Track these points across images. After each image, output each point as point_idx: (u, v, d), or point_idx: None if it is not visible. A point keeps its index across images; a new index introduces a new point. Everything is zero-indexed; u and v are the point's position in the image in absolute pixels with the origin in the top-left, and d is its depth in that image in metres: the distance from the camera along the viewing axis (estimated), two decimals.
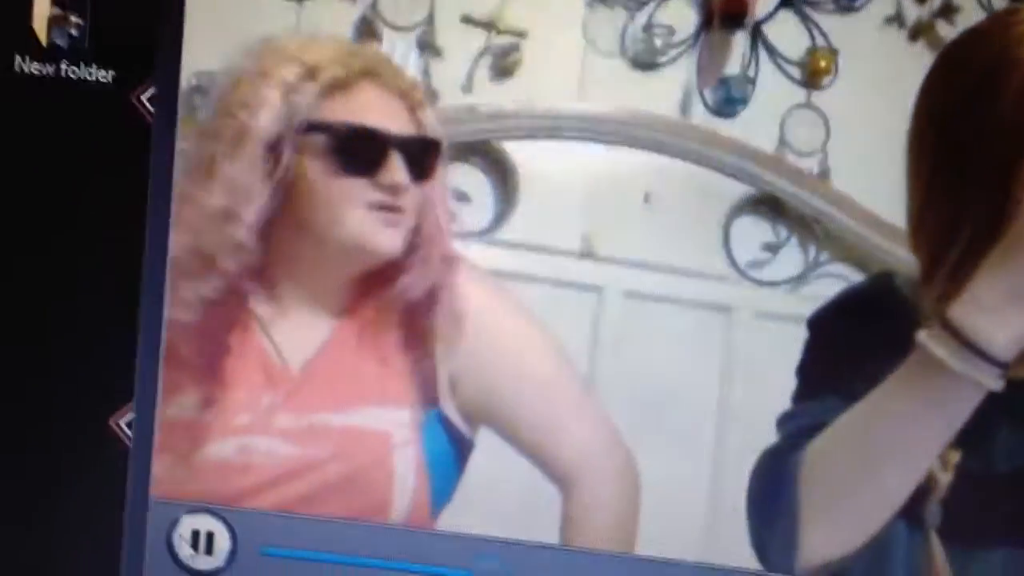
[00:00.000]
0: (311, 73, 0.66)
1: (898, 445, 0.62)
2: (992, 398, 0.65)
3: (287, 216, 0.68)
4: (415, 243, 0.70)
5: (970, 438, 0.66)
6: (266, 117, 0.66)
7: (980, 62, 0.59)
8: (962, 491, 0.67)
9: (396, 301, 0.71)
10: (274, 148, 0.66)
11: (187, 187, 0.67)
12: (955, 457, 0.66)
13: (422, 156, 0.69)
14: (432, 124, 0.68)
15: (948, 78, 0.62)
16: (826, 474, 0.64)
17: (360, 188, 0.67)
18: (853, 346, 0.65)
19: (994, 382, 0.59)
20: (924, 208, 0.62)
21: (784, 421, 0.69)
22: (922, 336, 0.60)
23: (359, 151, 0.67)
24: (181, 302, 0.69)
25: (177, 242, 0.66)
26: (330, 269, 0.70)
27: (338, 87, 0.67)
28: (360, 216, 0.68)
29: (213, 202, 0.66)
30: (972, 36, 0.62)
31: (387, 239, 0.69)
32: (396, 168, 0.67)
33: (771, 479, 0.67)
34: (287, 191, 0.67)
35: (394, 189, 0.68)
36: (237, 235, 0.67)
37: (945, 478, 0.66)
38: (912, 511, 0.67)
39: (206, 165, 0.66)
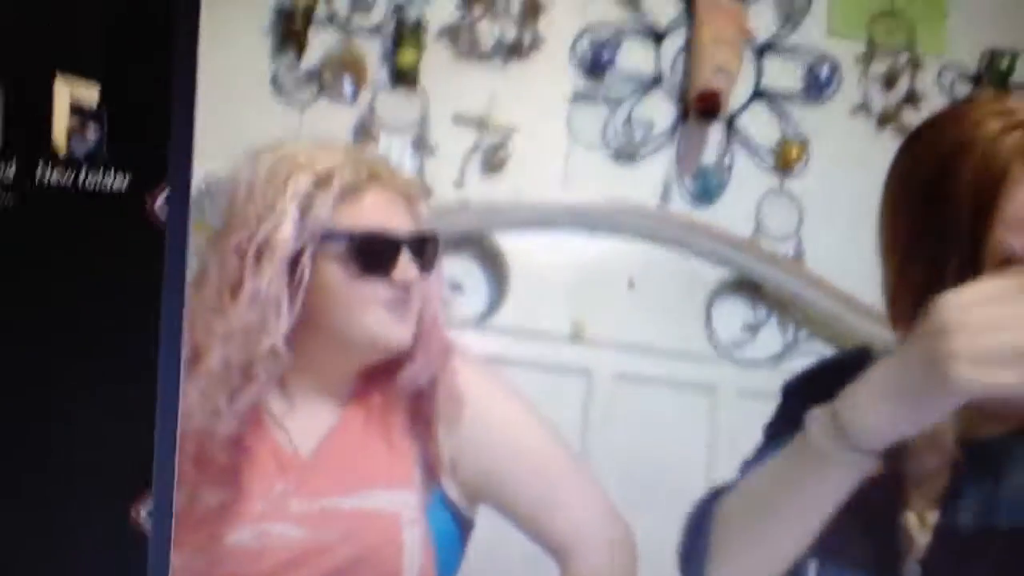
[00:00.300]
0: (323, 181, 0.69)
1: (785, 507, 0.64)
2: (969, 457, 0.67)
3: (308, 320, 0.71)
4: (418, 333, 0.73)
5: (947, 497, 0.68)
6: (287, 230, 0.69)
7: (942, 145, 0.63)
8: (940, 549, 0.69)
9: (401, 388, 0.74)
10: (296, 259, 0.69)
11: (215, 302, 0.70)
12: (932, 516, 0.68)
13: (425, 251, 0.73)
14: (427, 218, 0.72)
15: (915, 161, 0.65)
16: (731, 524, 0.67)
17: (376, 287, 0.70)
18: None
19: (861, 466, 0.61)
20: (899, 283, 0.65)
21: (740, 471, 0.71)
22: (810, 413, 0.63)
23: (374, 253, 0.70)
24: (213, 413, 0.72)
25: (215, 356, 0.69)
26: (342, 362, 0.73)
27: (349, 193, 0.70)
28: (377, 314, 0.71)
29: (244, 317, 0.69)
30: (935, 122, 0.66)
31: (400, 333, 0.72)
32: (407, 266, 0.70)
33: (693, 526, 0.69)
34: (309, 297, 0.70)
35: (406, 286, 0.71)
36: (272, 345, 0.70)
37: (923, 537, 0.68)
38: (890, 571, 0.69)
39: (232, 281, 0.69)
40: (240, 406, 0.66)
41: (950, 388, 0.55)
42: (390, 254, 0.68)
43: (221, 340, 0.66)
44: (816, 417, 0.59)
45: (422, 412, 0.70)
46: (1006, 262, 0.58)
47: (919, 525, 0.62)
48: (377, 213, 0.67)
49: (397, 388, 0.70)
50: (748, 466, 0.66)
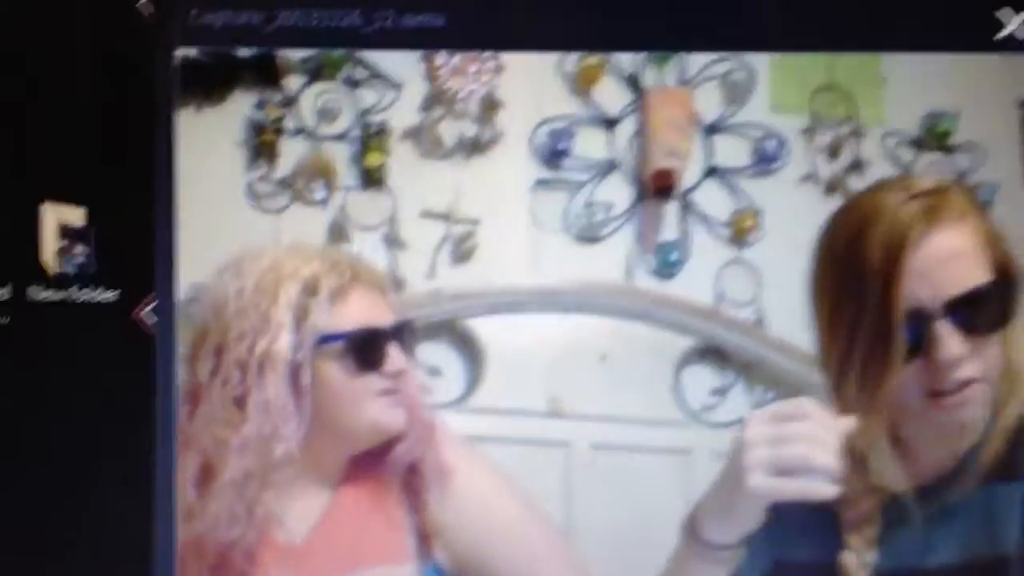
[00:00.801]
0: (312, 288, 0.73)
1: None
2: (900, 503, 0.73)
3: (313, 419, 0.75)
4: (409, 420, 0.77)
5: (881, 539, 0.73)
6: (285, 340, 0.72)
7: (856, 214, 0.70)
8: None
9: (392, 466, 0.78)
10: (296, 365, 0.73)
11: (223, 415, 0.74)
12: (869, 557, 0.73)
13: (408, 340, 0.77)
14: (399, 307, 0.76)
15: (832, 237, 0.72)
16: None
17: (372, 380, 0.74)
18: None
19: (725, 560, 0.69)
20: (827, 349, 0.71)
21: None
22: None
23: (367, 349, 0.74)
24: (234, 520, 0.75)
25: (230, 469, 0.73)
26: (338, 451, 0.77)
27: (337, 296, 0.74)
28: (376, 404, 0.74)
29: (257, 427, 0.73)
30: (848, 202, 0.73)
31: (397, 418, 0.75)
32: (396, 356, 0.75)
33: None
34: (313, 399, 0.74)
35: (397, 375, 0.76)
36: (287, 451, 0.74)
37: None
38: None
39: (237, 394, 0.73)
40: (259, 513, 0.69)
41: (747, 494, 0.63)
42: (380, 347, 0.71)
43: (237, 452, 0.68)
44: (682, 524, 0.67)
45: (413, 486, 0.73)
46: (913, 313, 0.65)
47: (857, 566, 0.68)
48: (363, 311, 0.71)
49: (388, 466, 0.73)
50: None
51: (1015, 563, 0.67)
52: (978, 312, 0.67)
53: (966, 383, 0.66)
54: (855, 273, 0.67)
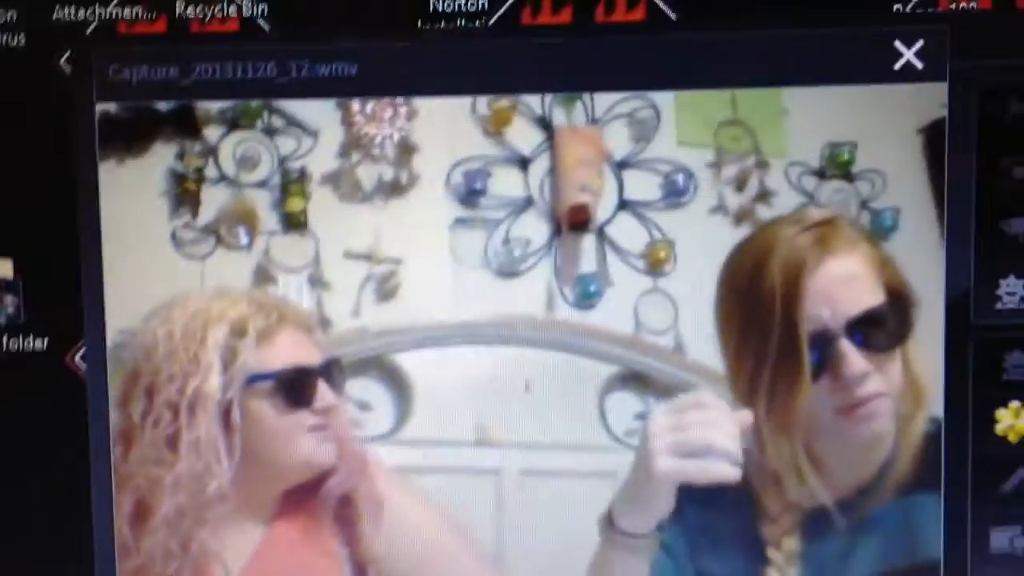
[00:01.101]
0: (239, 330, 0.76)
1: None
2: (818, 518, 0.76)
3: (246, 455, 0.77)
4: (340, 453, 0.80)
5: (804, 556, 0.77)
6: (214, 382, 0.76)
7: (755, 248, 0.74)
8: None
9: (325, 499, 0.81)
10: (226, 404, 0.76)
11: (155, 455, 0.76)
12: (792, 573, 0.77)
13: (335, 375, 0.80)
14: (326, 345, 0.78)
15: (734, 270, 0.76)
16: None
17: (302, 417, 0.78)
18: None
19: (643, 548, 0.75)
20: (735, 369, 0.75)
21: None
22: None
23: (297, 387, 0.77)
24: (169, 556, 0.78)
25: (165, 506, 0.76)
26: (269, 487, 0.79)
27: (264, 336, 0.77)
28: (306, 440, 0.78)
29: (189, 466, 0.76)
30: (748, 237, 0.78)
31: (328, 453, 0.79)
32: (325, 392, 0.78)
33: None
34: (243, 435, 0.77)
35: (327, 411, 0.79)
36: (219, 487, 0.77)
37: None
38: None
39: (169, 434, 0.76)
40: (194, 548, 0.72)
41: (655, 477, 0.72)
42: (309, 384, 0.75)
43: (170, 490, 0.71)
44: (600, 518, 0.75)
45: (346, 518, 0.76)
46: (816, 334, 0.71)
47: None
48: (290, 350, 0.75)
49: (320, 500, 0.76)
50: None
51: (929, 573, 0.71)
52: (876, 330, 0.73)
53: (872, 397, 0.71)
54: (758, 301, 0.72)
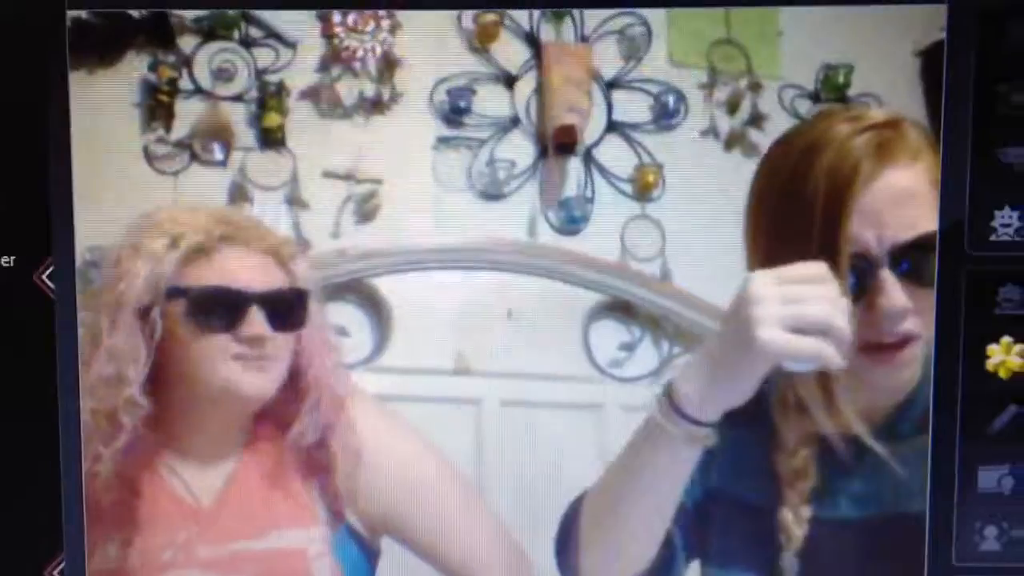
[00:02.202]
0: (174, 242, 0.76)
1: (638, 488, 0.72)
2: (835, 454, 0.75)
3: (169, 371, 0.77)
4: (302, 389, 0.79)
5: (820, 492, 0.75)
6: (135, 288, 0.75)
7: (799, 144, 0.71)
8: (814, 542, 0.76)
9: (292, 444, 0.80)
10: (146, 314, 0.76)
11: (85, 356, 0.76)
12: (806, 511, 0.75)
13: (287, 307, 0.79)
14: (304, 275, 0.77)
15: (773, 163, 0.73)
16: (593, 513, 0.74)
17: (223, 343, 0.77)
18: None
19: (700, 439, 0.69)
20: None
21: None
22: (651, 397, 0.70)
23: (217, 310, 0.76)
24: (95, 458, 0.78)
25: (83, 406, 0.75)
26: (217, 414, 0.79)
27: (200, 253, 0.76)
28: (229, 367, 0.77)
29: (102, 370, 0.76)
30: (794, 128, 0.73)
31: (257, 385, 0.78)
32: (256, 321, 0.76)
33: (564, 522, 0.76)
34: (165, 351, 0.76)
35: (253, 341, 0.78)
36: (128, 394, 0.76)
37: (799, 531, 0.75)
38: (769, 566, 0.76)
39: (93, 335, 0.76)
40: (117, 450, 0.71)
41: (758, 350, 0.64)
42: (235, 310, 0.74)
43: (88, 392, 0.71)
44: (656, 396, 0.67)
45: (318, 462, 0.76)
46: (858, 255, 0.66)
47: (795, 520, 0.69)
48: (225, 271, 0.74)
49: (289, 443, 0.75)
50: None
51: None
52: (927, 261, 0.67)
53: (907, 338, 0.67)
54: (797, 208, 0.67)
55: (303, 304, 0.77)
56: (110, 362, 0.74)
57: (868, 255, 0.68)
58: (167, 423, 0.77)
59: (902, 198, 0.70)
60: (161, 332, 0.75)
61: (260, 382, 0.77)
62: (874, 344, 0.69)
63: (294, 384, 0.78)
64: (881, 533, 0.73)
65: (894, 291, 0.68)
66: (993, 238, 0.73)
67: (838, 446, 0.73)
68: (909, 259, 0.68)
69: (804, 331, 0.66)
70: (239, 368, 0.76)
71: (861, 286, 0.69)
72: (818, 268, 0.66)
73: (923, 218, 0.69)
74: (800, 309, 0.65)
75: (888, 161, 0.69)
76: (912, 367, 0.70)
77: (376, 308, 0.79)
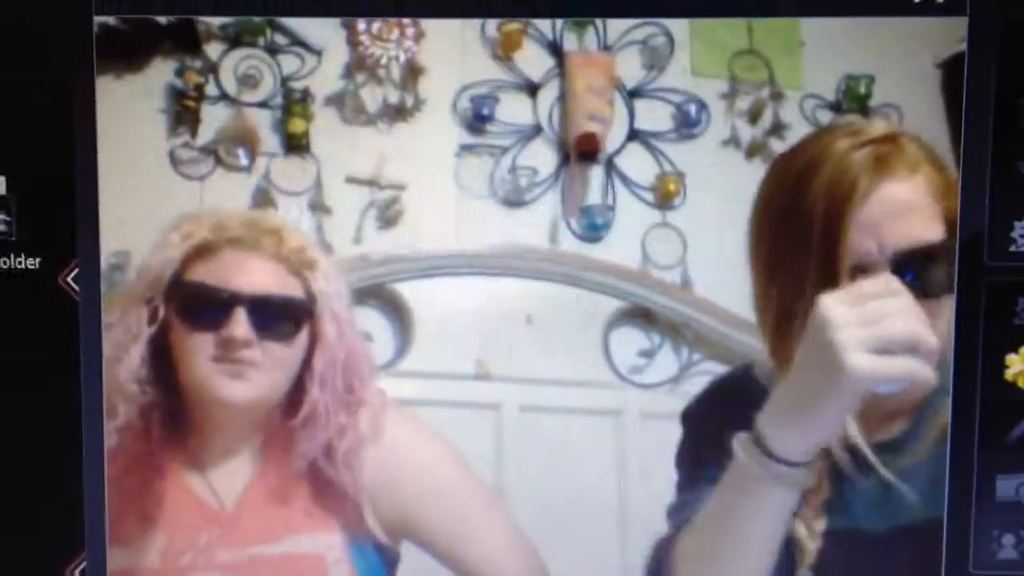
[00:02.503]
0: (185, 238, 0.77)
1: (736, 535, 0.71)
2: (853, 463, 0.75)
3: (168, 367, 0.78)
4: (302, 408, 0.79)
5: (834, 504, 0.76)
6: (144, 276, 0.76)
7: (800, 160, 0.71)
8: (831, 555, 0.77)
9: (299, 460, 0.81)
10: (149, 302, 0.77)
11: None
12: (820, 524, 0.76)
13: (279, 314, 0.79)
14: (320, 285, 0.78)
15: (774, 180, 0.73)
16: (691, 562, 0.74)
17: (205, 342, 0.77)
18: (719, 434, 0.75)
19: (794, 479, 0.69)
20: (764, 296, 0.73)
21: (671, 513, 0.78)
22: (735, 440, 0.70)
23: (204, 308, 0.77)
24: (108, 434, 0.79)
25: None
26: (215, 415, 0.80)
27: (205, 251, 0.77)
28: (206, 368, 0.77)
29: (108, 351, 0.77)
30: (793, 146, 0.74)
31: (235, 391, 0.78)
32: (239, 323, 0.77)
33: (655, 569, 0.76)
34: (164, 344, 0.77)
35: (233, 343, 0.78)
36: (120, 378, 0.77)
37: (812, 545, 0.75)
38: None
39: (108, 322, 0.77)
40: (119, 428, 0.74)
41: (847, 378, 0.62)
42: (220, 311, 0.74)
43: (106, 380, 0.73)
44: (741, 441, 0.66)
45: (333, 471, 0.76)
46: (859, 268, 0.66)
47: (808, 534, 0.70)
48: (223, 272, 0.75)
49: (297, 458, 0.75)
50: (674, 510, 0.72)
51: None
52: (931, 270, 0.68)
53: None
54: (797, 223, 0.67)
55: (300, 314, 0.77)
56: (112, 345, 0.75)
57: (869, 266, 0.69)
58: (180, 422, 0.78)
59: (901, 210, 0.70)
60: (160, 325, 0.75)
61: (236, 388, 0.77)
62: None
63: (294, 401, 0.79)
64: (896, 544, 0.74)
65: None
66: (1012, 249, 0.74)
67: (847, 459, 0.73)
68: (912, 268, 0.68)
69: (891, 351, 0.64)
70: (215, 370, 0.76)
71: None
72: (888, 281, 0.65)
73: (923, 228, 0.70)
74: (883, 328, 0.64)
75: (886, 174, 0.69)
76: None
77: (398, 313, 0.80)
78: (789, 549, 0.74)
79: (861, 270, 0.69)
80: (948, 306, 0.72)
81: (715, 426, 0.72)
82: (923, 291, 0.70)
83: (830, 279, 0.68)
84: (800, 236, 0.69)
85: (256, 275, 0.77)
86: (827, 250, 0.69)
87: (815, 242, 0.68)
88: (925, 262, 0.70)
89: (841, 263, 0.68)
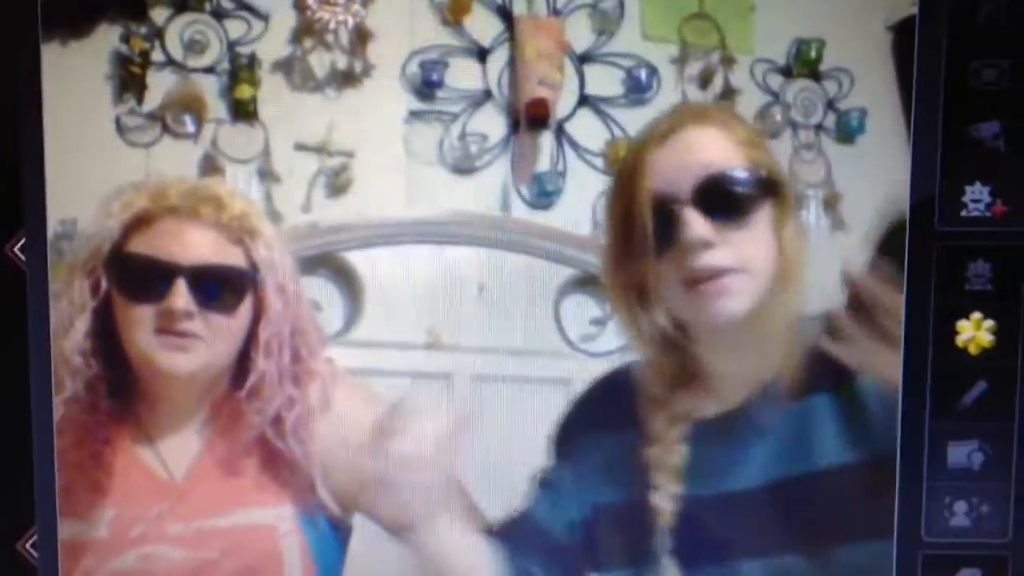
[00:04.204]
0: (123, 209, 0.79)
1: None
2: (698, 434, 0.79)
3: (112, 339, 0.80)
4: (248, 379, 0.81)
5: (683, 471, 0.79)
6: (85, 247, 0.78)
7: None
8: (684, 518, 0.80)
9: (248, 431, 0.83)
10: (91, 275, 0.78)
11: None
12: (675, 488, 0.79)
13: (221, 284, 0.81)
14: (263, 256, 0.80)
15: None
16: None
17: (146, 314, 0.79)
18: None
19: None
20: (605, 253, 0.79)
21: None
22: None
23: (143, 280, 0.79)
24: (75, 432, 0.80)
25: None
26: (160, 387, 0.81)
27: (144, 221, 0.78)
28: (147, 338, 0.79)
29: (54, 323, 0.78)
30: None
31: (176, 362, 0.80)
32: (179, 295, 0.78)
33: None
34: (108, 316, 0.79)
35: (174, 315, 0.79)
36: (66, 351, 0.79)
37: (668, 506, 0.79)
38: (641, 542, 0.80)
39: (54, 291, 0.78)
40: (66, 401, 0.75)
41: None
42: (158, 282, 0.76)
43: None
44: None
45: (282, 442, 0.78)
46: (660, 200, 0.75)
47: (665, 500, 0.74)
48: (162, 242, 0.76)
49: (246, 428, 0.77)
50: None
51: (824, 479, 0.73)
52: (723, 198, 0.75)
53: (720, 271, 0.72)
54: (618, 178, 0.75)
55: (242, 284, 0.79)
56: (56, 316, 0.76)
57: (669, 196, 0.73)
58: (127, 393, 0.80)
59: (698, 148, 0.77)
60: (102, 297, 0.77)
61: (179, 360, 0.79)
62: (691, 279, 0.74)
63: (241, 371, 0.80)
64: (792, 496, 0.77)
65: (695, 224, 0.73)
66: (964, 214, 0.76)
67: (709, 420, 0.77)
68: (707, 197, 0.75)
69: None
70: (157, 342, 0.78)
71: (667, 228, 0.76)
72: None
73: (718, 162, 0.76)
74: None
75: (684, 125, 0.77)
76: (735, 299, 0.75)
77: (347, 282, 0.81)
78: (650, 519, 0.78)
79: (662, 201, 0.74)
80: (761, 236, 0.77)
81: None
82: (718, 216, 0.76)
83: (635, 213, 0.76)
84: (618, 187, 0.78)
85: (195, 245, 0.78)
86: (633, 188, 0.76)
87: (626, 186, 0.77)
88: (718, 190, 0.76)
89: (642, 196, 0.76)
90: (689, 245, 0.74)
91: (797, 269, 0.76)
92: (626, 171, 0.75)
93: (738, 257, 0.75)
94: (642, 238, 0.74)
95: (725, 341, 0.75)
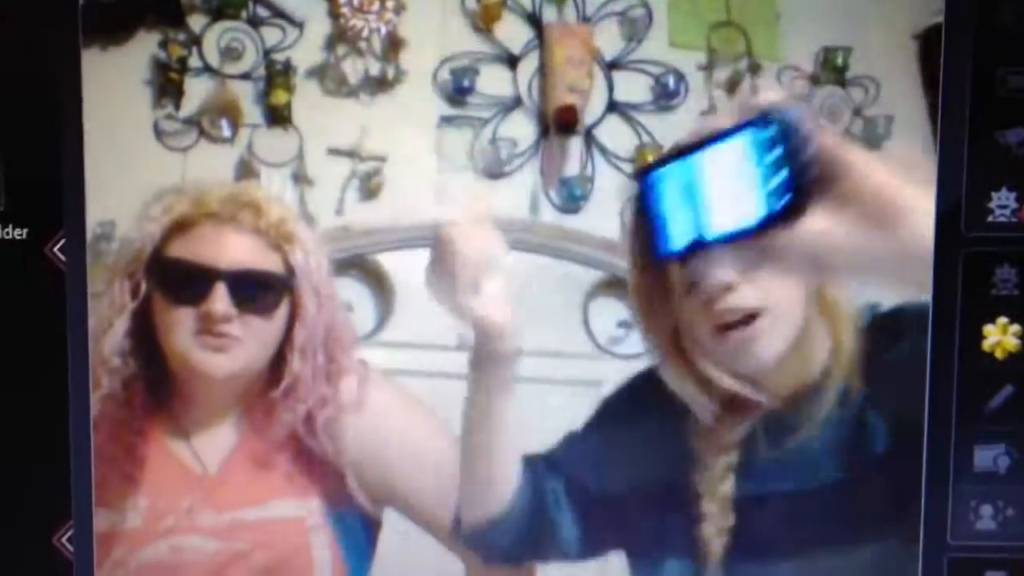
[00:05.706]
0: (164, 213, 0.82)
1: None
2: (760, 429, 0.81)
3: (151, 340, 0.82)
4: (283, 381, 0.84)
5: (734, 473, 0.81)
6: (126, 250, 0.81)
7: None
8: (737, 522, 0.82)
9: (280, 429, 0.86)
10: (132, 276, 0.81)
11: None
12: (725, 491, 0.81)
13: (259, 288, 0.83)
14: (298, 259, 0.82)
15: None
16: None
17: (186, 317, 0.82)
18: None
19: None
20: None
21: None
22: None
23: (183, 283, 0.81)
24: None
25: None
26: (197, 386, 0.84)
27: (184, 225, 0.81)
28: (186, 340, 0.82)
29: (95, 324, 0.81)
30: None
31: (215, 364, 0.82)
32: (219, 298, 0.81)
33: None
34: (147, 318, 0.82)
35: (213, 318, 0.82)
36: (104, 351, 0.81)
37: (714, 508, 0.81)
38: (689, 545, 0.82)
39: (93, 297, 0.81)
40: (102, 398, 0.77)
41: None
42: (199, 285, 0.78)
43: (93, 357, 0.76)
44: None
45: (319, 424, 0.81)
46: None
47: (715, 503, 0.76)
48: (203, 246, 0.79)
49: (278, 428, 0.80)
50: None
51: (851, 485, 0.74)
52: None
53: (749, 315, 0.72)
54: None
55: (279, 287, 0.82)
56: (97, 317, 0.79)
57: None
58: (163, 391, 0.83)
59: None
60: (143, 299, 0.80)
61: (219, 361, 0.82)
62: (720, 326, 0.76)
63: (276, 372, 0.83)
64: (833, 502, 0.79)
65: (718, 268, 0.76)
66: (990, 219, 0.78)
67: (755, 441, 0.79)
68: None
69: None
70: (196, 344, 0.81)
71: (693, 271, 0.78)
72: None
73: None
74: None
75: None
76: (763, 341, 0.76)
77: (379, 284, 0.84)
78: (699, 521, 0.80)
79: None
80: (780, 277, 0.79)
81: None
82: (749, 259, 0.78)
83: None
84: None
85: (235, 250, 0.81)
86: None
87: None
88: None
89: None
90: (713, 289, 0.75)
91: (831, 306, 0.78)
92: None
93: (765, 297, 0.76)
94: (666, 280, 0.76)
95: (766, 378, 0.77)
